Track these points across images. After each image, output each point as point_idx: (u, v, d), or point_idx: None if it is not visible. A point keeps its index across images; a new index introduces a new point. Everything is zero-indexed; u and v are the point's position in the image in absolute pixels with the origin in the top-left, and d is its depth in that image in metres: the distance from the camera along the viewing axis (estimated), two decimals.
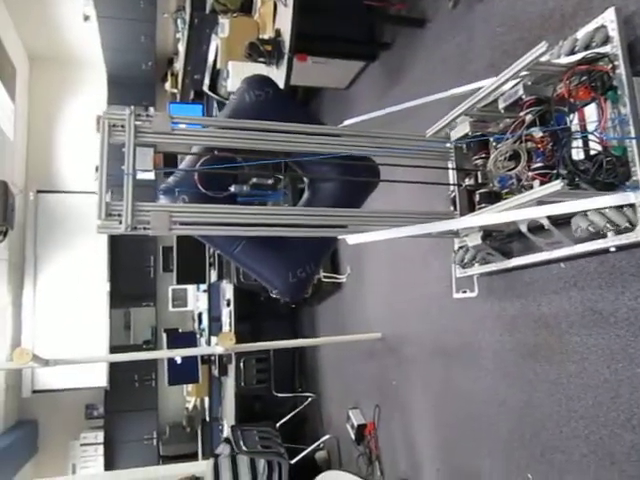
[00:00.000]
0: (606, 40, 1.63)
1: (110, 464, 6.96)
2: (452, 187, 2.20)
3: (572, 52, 1.72)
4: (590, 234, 1.63)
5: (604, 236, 1.61)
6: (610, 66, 1.58)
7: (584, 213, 1.62)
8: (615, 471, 1.74)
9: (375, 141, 2.05)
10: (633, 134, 1.52)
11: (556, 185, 1.47)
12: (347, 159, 2.00)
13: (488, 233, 2.06)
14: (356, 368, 4.13)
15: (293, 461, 4.04)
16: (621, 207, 1.53)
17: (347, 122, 2.17)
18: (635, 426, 1.66)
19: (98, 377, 6.92)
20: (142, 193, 1.76)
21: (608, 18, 1.63)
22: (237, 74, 3.37)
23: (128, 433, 7.14)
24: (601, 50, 1.62)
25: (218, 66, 3.96)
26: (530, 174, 1.69)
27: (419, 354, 3.12)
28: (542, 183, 1.62)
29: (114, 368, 6.92)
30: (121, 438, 7.12)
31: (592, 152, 1.59)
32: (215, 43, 4.19)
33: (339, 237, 1.90)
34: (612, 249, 1.63)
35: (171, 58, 7.80)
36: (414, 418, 3.14)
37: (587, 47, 1.67)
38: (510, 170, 1.75)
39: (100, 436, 7.12)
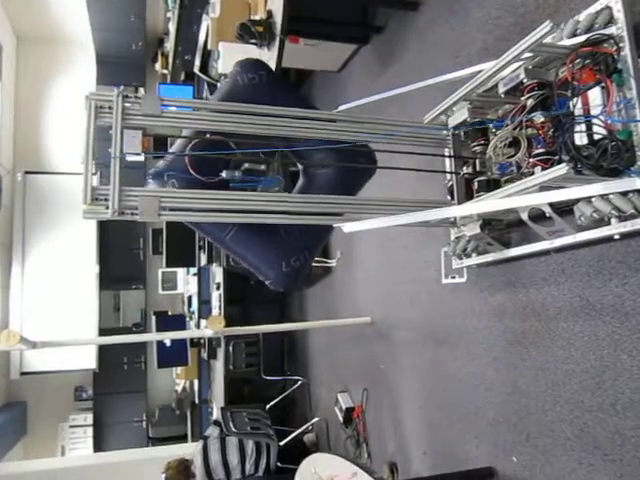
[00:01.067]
0: (609, 21, 1.58)
1: (99, 446, 6.99)
2: (449, 176, 2.16)
3: (574, 34, 1.67)
4: (593, 222, 1.60)
5: (608, 223, 1.57)
6: (615, 48, 1.53)
7: (588, 200, 1.58)
8: (598, 455, 1.76)
9: (371, 127, 2.01)
10: (639, 117, 1.48)
11: (561, 169, 1.41)
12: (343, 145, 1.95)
13: (487, 222, 2.02)
14: (345, 352, 4.15)
15: (282, 443, 4.07)
16: (626, 193, 1.50)
17: (342, 107, 2.13)
18: (619, 411, 1.68)
19: (87, 359, 6.92)
20: (132, 176, 1.74)
21: None
22: (228, 55, 3.33)
23: (117, 415, 7.16)
24: (606, 32, 1.57)
25: (209, 47, 3.91)
26: (531, 160, 1.65)
27: (408, 339, 3.13)
28: (544, 169, 1.58)
29: (103, 350, 6.92)
30: (110, 420, 7.14)
31: (596, 137, 1.55)
32: (206, 23, 4.13)
33: (335, 225, 1.86)
34: (616, 236, 1.59)
35: (161, 38, 7.69)
36: (402, 402, 3.17)
37: (590, 29, 1.63)
38: (510, 157, 1.71)
39: (89, 418, 7.14)
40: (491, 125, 1.90)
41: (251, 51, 3.10)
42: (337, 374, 4.28)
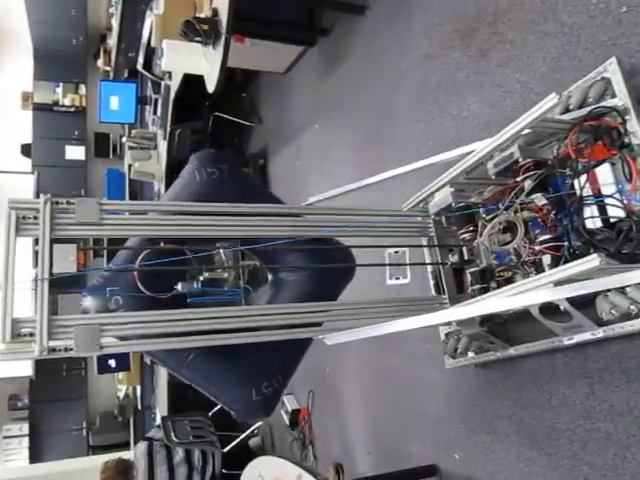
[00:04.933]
0: (603, 94, 1.46)
1: (36, 456, 6.70)
2: (430, 267, 1.98)
3: (567, 109, 1.53)
4: (620, 316, 1.41)
5: (636, 317, 1.38)
6: (620, 121, 1.40)
7: (620, 290, 1.38)
8: (535, 449, 1.82)
9: (345, 218, 1.79)
10: None
11: (593, 261, 1.19)
12: (316, 243, 1.74)
13: (487, 318, 1.82)
14: None
15: (226, 449, 4.01)
16: None
17: (311, 199, 1.94)
18: (554, 406, 1.75)
19: (22, 366, 6.61)
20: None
21: (610, 70, 1.45)
22: (172, 53, 3.26)
23: (56, 424, 6.89)
24: (608, 104, 1.43)
25: (153, 44, 3.83)
26: (537, 248, 1.51)
27: (353, 341, 3.14)
28: (554, 258, 1.46)
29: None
30: (48, 429, 6.86)
31: (612, 219, 1.37)
32: (150, 20, 4.04)
33: (315, 338, 1.65)
34: None
35: (104, 34, 7.47)
36: (347, 403, 3.19)
37: (583, 103, 1.49)
38: (506, 244, 1.57)
39: (25, 428, 6.83)
40: (481, 210, 1.72)
41: (195, 49, 3.05)
42: None
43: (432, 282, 1.96)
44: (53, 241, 1.37)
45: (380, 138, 2.88)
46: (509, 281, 1.67)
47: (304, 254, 1.74)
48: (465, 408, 2.16)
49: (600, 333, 1.50)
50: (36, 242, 1.36)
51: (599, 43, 1.62)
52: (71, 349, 1.33)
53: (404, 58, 2.65)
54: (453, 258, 1.84)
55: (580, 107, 1.49)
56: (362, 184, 1.93)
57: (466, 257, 1.77)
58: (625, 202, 1.36)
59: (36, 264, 1.35)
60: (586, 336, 1.54)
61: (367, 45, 3.06)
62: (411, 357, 2.53)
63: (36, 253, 1.36)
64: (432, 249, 1.96)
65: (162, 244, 1.57)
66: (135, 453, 3.56)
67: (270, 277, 1.83)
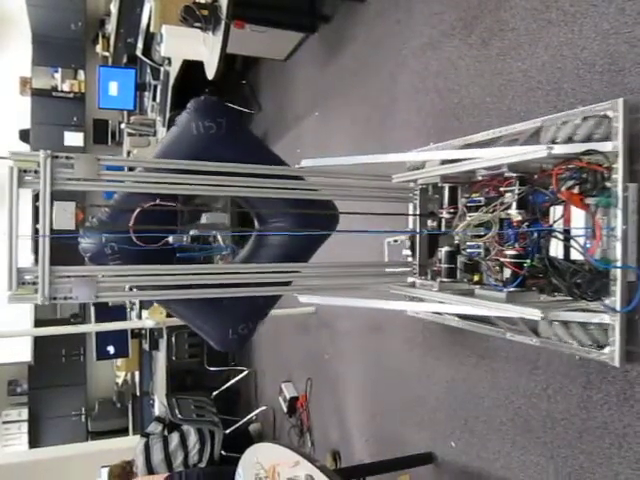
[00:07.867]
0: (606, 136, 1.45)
1: (35, 441, 6.75)
2: (411, 229, 2.14)
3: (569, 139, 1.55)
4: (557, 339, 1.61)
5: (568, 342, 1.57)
6: (606, 165, 1.41)
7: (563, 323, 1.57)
8: (531, 438, 1.83)
9: (339, 184, 1.90)
10: (619, 250, 1.39)
11: (535, 315, 1.43)
12: (307, 207, 1.81)
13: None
14: (290, 342, 4.15)
15: (227, 431, 4.05)
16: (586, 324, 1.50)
17: (305, 162, 2.00)
18: (550, 395, 1.76)
19: (22, 352, 6.64)
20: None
21: (616, 109, 1.42)
22: (171, 38, 3.24)
23: (55, 409, 6.93)
24: (599, 147, 1.43)
25: (152, 30, 3.80)
26: (502, 260, 1.65)
27: (351, 328, 3.16)
28: (514, 273, 1.59)
29: (39, 342, 6.65)
30: (47, 415, 6.91)
31: (573, 256, 1.48)
32: (149, 5, 4.01)
33: (285, 293, 1.82)
34: (577, 357, 1.59)
35: (103, 19, 7.42)
36: (345, 390, 3.20)
37: (588, 139, 1.49)
38: (478, 237, 1.71)
39: (24, 413, 6.88)
40: (463, 200, 1.86)
41: (195, 35, 3.03)
42: (281, 364, 4.28)
43: (408, 244, 2.12)
44: (53, 196, 1.44)
45: (380, 126, 2.87)
46: (474, 267, 1.86)
47: (294, 216, 1.83)
48: (462, 396, 2.18)
49: (537, 343, 1.67)
50: (36, 199, 1.42)
51: (602, 32, 1.61)
52: (70, 298, 1.47)
53: (405, 46, 2.63)
54: (432, 224, 2.02)
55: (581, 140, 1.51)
56: (355, 161, 2.07)
57: (443, 229, 1.94)
58: (587, 248, 1.44)
59: (36, 220, 1.43)
60: (525, 340, 1.71)
61: (368, 33, 3.03)
62: (407, 343, 2.54)
63: (36, 209, 1.44)
64: (416, 218, 2.12)
65: (158, 200, 1.64)
66: (135, 450, 3.62)
67: (253, 235, 1.94)
